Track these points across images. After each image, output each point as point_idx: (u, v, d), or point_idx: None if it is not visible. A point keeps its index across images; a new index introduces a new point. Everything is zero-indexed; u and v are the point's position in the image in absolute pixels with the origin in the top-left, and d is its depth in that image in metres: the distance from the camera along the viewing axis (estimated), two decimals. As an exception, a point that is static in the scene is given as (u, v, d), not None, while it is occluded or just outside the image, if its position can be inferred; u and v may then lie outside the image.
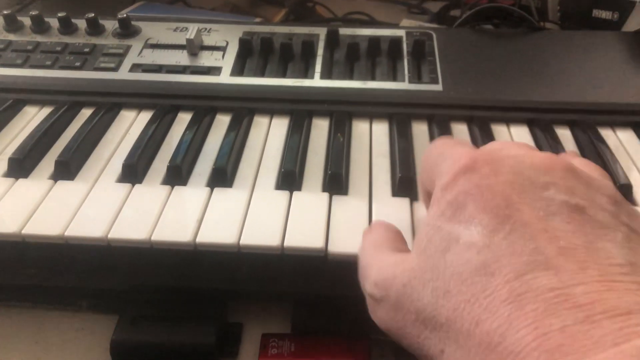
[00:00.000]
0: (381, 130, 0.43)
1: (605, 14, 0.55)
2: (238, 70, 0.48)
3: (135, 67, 0.48)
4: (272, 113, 0.44)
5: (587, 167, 0.26)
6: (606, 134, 0.42)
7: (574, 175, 0.23)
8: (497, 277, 0.19)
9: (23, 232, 0.33)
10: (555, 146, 0.40)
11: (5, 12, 0.52)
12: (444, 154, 0.26)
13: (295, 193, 0.36)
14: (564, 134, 0.42)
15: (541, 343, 0.17)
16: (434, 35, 0.51)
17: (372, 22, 0.74)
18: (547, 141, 0.41)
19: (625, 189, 0.36)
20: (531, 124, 0.43)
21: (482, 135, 0.41)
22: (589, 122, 0.43)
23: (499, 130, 0.43)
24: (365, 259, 0.27)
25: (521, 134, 0.42)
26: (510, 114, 0.44)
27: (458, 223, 0.22)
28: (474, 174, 0.23)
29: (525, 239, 0.20)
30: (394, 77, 0.47)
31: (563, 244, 0.20)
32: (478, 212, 0.22)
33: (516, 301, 0.19)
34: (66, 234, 0.33)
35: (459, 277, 0.21)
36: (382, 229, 0.29)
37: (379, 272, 0.25)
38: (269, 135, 0.42)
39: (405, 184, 0.36)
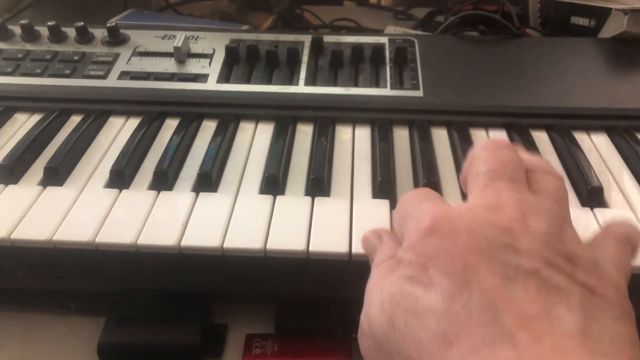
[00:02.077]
0: (364, 135, 0.44)
1: (582, 21, 0.57)
2: (224, 77, 0.49)
3: (123, 75, 0.49)
4: (257, 119, 0.46)
5: (544, 182, 0.26)
6: (581, 137, 0.43)
7: (531, 235, 0.23)
8: (455, 349, 0.20)
9: (12, 237, 0.34)
10: (531, 149, 0.41)
11: (-5, 21, 0.53)
12: (410, 211, 0.26)
13: (278, 197, 0.37)
14: (541, 137, 0.44)
15: None
16: (416, 42, 0.52)
17: (358, 29, 0.75)
18: (523, 145, 0.42)
19: (596, 192, 0.37)
20: (509, 128, 0.45)
21: (460, 140, 0.42)
22: (564, 126, 0.44)
23: (478, 134, 0.44)
24: (369, 283, 0.26)
25: (499, 138, 0.44)
26: (489, 119, 0.45)
27: (419, 285, 0.23)
28: (434, 236, 0.23)
29: (482, 308, 0.21)
30: (376, 84, 0.48)
31: (519, 313, 0.20)
32: (437, 276, 0.22)
33: None
34: (54, 238, 0.33)
35: (419, 343, 0.21)
36: (391, 249, 0.27)
37: (370, 306, 0.25)
38: (254, 141, 0.43)
39: (385, 187, 0.37)
